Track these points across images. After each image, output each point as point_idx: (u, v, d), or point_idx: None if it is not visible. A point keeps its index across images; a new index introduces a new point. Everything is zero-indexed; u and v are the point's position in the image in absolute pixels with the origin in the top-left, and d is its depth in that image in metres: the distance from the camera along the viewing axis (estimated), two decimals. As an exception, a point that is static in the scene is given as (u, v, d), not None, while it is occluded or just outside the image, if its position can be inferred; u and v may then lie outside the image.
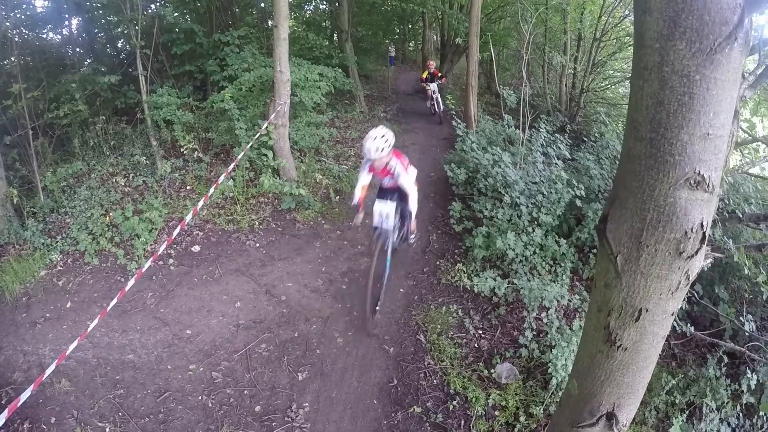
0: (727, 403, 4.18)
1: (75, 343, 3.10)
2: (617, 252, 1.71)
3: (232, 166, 5.67)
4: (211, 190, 5.21)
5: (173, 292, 5.37)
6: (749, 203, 5.46)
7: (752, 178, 6.36)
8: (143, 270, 4.05)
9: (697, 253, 1.61)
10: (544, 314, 4.91)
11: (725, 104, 1.40)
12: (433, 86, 12.11)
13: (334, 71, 8.99)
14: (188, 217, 4.44)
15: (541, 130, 7.17)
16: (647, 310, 1.75)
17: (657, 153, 1.49)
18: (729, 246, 2.87)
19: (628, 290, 1.76)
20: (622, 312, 1.81)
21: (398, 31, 19.62)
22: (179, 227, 4.56)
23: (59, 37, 9.32)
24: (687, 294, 3.32)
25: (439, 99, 12.14)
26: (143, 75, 7.40)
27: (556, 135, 7.40)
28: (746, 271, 2.90)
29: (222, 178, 5.62)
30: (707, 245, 1.70)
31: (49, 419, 3.97)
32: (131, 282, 3.92)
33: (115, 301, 3.61)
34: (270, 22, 10.93)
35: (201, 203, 4.77)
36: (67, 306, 5.21)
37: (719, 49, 1.34)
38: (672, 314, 1.81)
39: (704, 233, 1.56)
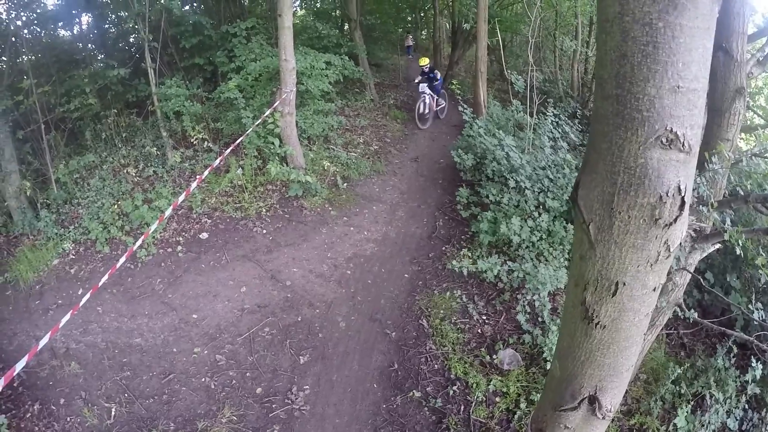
0: (734, 395, 4.04)
1: (68, 316, 3.30)
2: (589, 220, 1.61)
3: (229, 149, 5.76)
4: (206, 173, 5.33)
5: (181, 278, 5.46)
6: (763, 189, 5.23)
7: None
8: (134, 248, 4.18)
9: (676, 220, 1.50)
10: (538, 299, 4.80)
11: (696, 54, 1.30)
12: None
13: (341, 60, 8.93)
14: (180, 198, 4.56)
15: (548, 114, 7.04)
16: (624, 284, 1.65)
17: (624, 110, 1.39)
18: (725, 227, 2.69)
19: (602, 262, 1.65)
20: (597, 286, 1.70)
21: (410, 19, 19.40)
22: (171, 207, 4.69)
23: (70, 33, 9.47)
24: (696, 280, 3.18)
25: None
26: (152, 68, 7.49)
27: (561, 117, 7.26)
28: (738, 251, 2.68)
29: (217, 162, 5.75)
30: (692, 215, 1.59)
31: (58, 400, 4.10)
32: (122, 259, 4.06)
33: (106, 277, 3.80)
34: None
35: (194, 185, 4.88)
36: (79, 293, 5.34)
37: (683, -9, 1.25)
38: (654, 289, 1.69)
39: (683, 198, 1.45)
